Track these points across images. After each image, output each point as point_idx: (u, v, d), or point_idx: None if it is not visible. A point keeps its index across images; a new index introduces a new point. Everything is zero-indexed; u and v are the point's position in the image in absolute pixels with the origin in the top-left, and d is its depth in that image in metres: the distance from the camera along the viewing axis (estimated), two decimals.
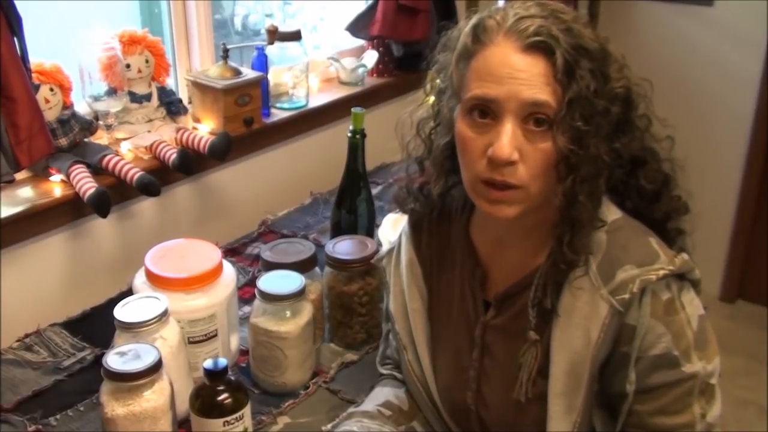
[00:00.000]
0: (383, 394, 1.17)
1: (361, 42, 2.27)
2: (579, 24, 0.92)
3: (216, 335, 1.26)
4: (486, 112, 0.91)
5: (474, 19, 0.95)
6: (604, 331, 0.94)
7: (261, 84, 1.81)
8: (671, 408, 0.94)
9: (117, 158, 1.54)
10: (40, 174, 1.53)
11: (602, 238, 0.96)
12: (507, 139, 0.89)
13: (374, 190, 1.84)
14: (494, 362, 1.06)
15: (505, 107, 0.89)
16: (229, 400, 1.07)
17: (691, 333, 0.93)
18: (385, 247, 1.23)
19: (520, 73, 0.89)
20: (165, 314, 1.14)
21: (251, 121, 1.79)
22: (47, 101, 1.48)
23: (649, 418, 0.95)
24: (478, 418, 1.09)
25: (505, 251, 1.04)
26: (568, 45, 0.89)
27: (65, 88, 1.52)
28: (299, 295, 1.24)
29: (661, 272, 0.93)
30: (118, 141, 1.64)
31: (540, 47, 0.89)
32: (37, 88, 1.45)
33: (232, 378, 1.10)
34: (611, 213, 0.99)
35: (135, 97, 1.65)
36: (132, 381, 1.03)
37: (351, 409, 1.16)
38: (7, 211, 1.42)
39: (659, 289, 0.93)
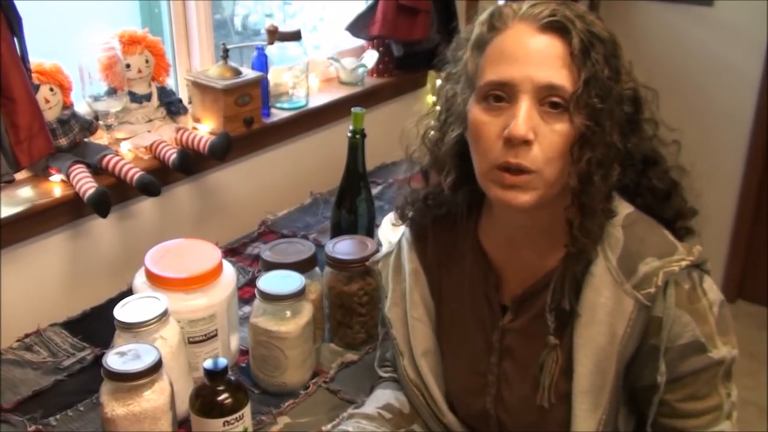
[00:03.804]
0: (384, 396, 1.16)
1: (361, 42, 2.27)
2: (591, 15, 0.93)
3: (216, 335, 1.26)
4: (501, 96, 0.92)
5: (489, 9, 0.96)
6: (631, 326, 0.94)
7: (261, 84, 1.81)
8: (701, 393, 0.95)
9: (117, 158, 1.54)
10: (40, 174, 1.53)
11: (619, 232, 0.96)
12: (523, 117, 0.89)
13: (374, 190, 1.84)
14: (515, 366, 1.05)
15: (520, 89, 0.90)
16: (229, 400, 1.07)
17: (713, 319, 0.94)
18: (384, 249, 1.23)
19: (535, 54, 0.90)
20: (165, 314, 1.14)
21: (251, 121, 1.79)
22: (47, 101, 1.48)
23: (679, 405, 0.96)
24: (498, 422, 1.08)
25: (518, 254, 1.04)
26: (582, 28, 0.90)
27: (65, 88, 1.52)
28: (299, 295, 1.24)
29: (683, 263, 0.94)
30: (118, 141, 1.64)
31: (556, 27, 0.90)
32: (37, 88, 1.45)
33: (232, 378, 1.10)
34: (623, 208, 0.99)
35: (135, 97, 1.65)
36: (132, 381, 1.03)
37: (351, 411, 1.16)
38: (7, 211, 1.42)
39: (681, 278, 0.94)
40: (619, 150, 0.93)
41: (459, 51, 1.00)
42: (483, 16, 0.96)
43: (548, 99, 0.90)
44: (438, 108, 1.05)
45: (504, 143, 0.91)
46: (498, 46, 0.93)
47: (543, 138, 0.90)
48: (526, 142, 0.89)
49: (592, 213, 0.93)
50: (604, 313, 0.95)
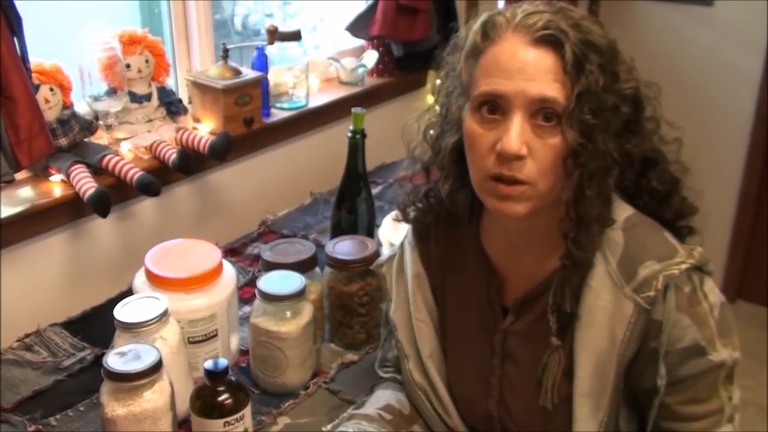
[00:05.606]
0: (385, 397, 1.16)
1: (361, 42, 2.27)
2: (588, 21, 0.92)
3: (216, 335, 1.26)
4: (495, 108, 0.92)
5: (483, 17, 0.95)
6: (630, 330, 0.94)
7: (261, 84, 1.81)
8: (701, 396, 0.95)
9: (117, 158, 1.54)
10: (40, 174, 1.53)
11: (619, 236, 0.96)
12: (516, 133, 0.89)
13: (374, 190, 1.84)
14: (517, 368, 1.05)
15: (513, 102, 0.90)
16: (229, 401, 1.07)
17: (714, 322, 0.94)
18: (385, 251, 1.23)
19: (528, 68, 0.89)
20: (165, 314, 1.14)
21: (251, 121, 1.79)
22: (47, 101, 1.48)
23: (680, 408, 0.96)
24: (502, 426, 1.08)
25: (519, 256, 1.04)
26: (576, 39, 0.89)
27: (65, 88, 1.52)
28: (299, 295, 1.24)
29: (683, 266, 0.93)
30: (118, 141, 1.64)
31: (549, 41, 0.89)
32: (37, 88, 1.45)
33: (233, 378, 1.10)
34: (623, 210, 0.98)
35: (135, 97, 1.65)
36: (132, 381, 1.03)
37: (351, 411, 1.15)
38: (7, 211, 1.42)
39: (682, 282, 0.93)
40: (615, 159, 0.92)
41: (455, 54, 1.00)
42: (476, 26, 0.95)
43: (541, 112, 0.90)
44: (438, 102, 1.05)
45: (497, 156, 0.91)
46: (492, 58, 0.92)
47: (536, 152, 0.90)
48: (519, 157, 0.89)
49: (587, 225, 0.93)
50: (603, 316, 0.95)
